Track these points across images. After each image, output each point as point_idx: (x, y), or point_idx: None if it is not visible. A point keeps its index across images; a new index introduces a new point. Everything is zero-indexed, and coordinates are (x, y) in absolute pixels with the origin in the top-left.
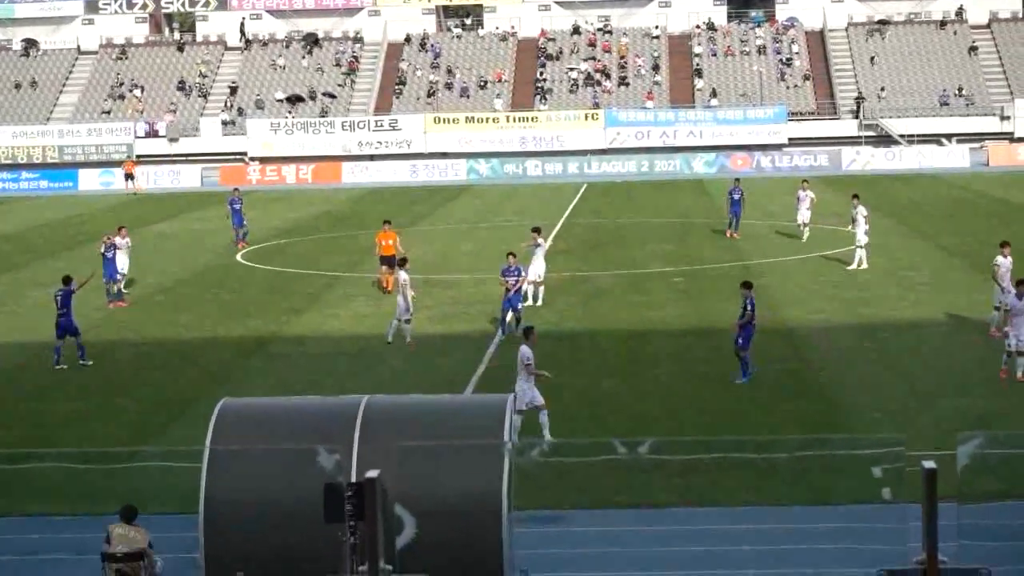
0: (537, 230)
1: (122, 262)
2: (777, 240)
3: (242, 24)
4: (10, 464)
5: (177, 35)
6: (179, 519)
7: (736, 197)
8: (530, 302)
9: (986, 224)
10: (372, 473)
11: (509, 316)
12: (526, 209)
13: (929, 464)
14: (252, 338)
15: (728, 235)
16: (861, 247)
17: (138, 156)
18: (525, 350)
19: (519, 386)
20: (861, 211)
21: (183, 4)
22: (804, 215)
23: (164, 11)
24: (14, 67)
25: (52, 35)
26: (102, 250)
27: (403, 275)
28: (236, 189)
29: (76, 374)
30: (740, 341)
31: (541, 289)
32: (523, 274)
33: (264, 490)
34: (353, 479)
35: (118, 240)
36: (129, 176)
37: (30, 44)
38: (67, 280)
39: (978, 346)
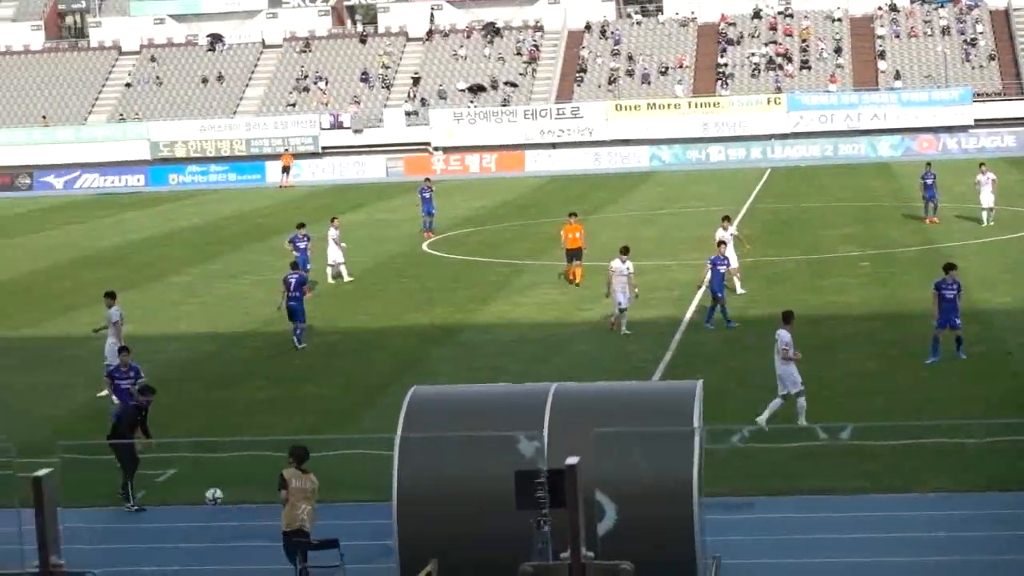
0: (726, 218)
1: (334, 252)
2: (964, 223)
3: (432, 14)
4: (202, 453)
5: (359, 27)
6: (372, 507)
7: (929, 181)
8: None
9: None
10: (572, 460)
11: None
12: (709, 195)
13: None
14: (438, 326)
15: (927, 221)
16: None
17: (323, 148)
18: (785, 334)
19: (780, 369)
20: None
21: None
22: (988, 199)
23: (346, 3)
24: (200, 61)
25: (237, 29)
26: (293, 242)
27: (616, 264)
28: (427, 179)
29: (264, 364)
30: (958, 322)
31: (737, 277)
32: (730, 264)
33: (458, 477)
34: (544, 466)
35: (332, 231)
36: (286, 169)
37: (216, 39)
38: (295, 265)
39: None
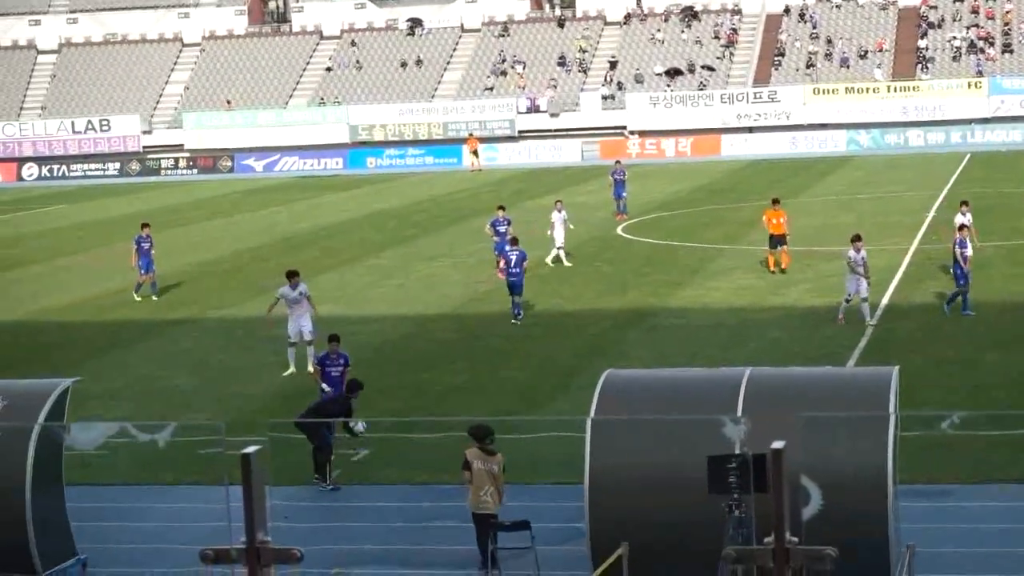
0: (965, 203)
1: (559, 235)
2: None
3: None
4: (399, 433)
5: (557, 11)
6: (564, 489)
7: None
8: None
9: None
10: (778, 444)
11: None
12: (908, 180)
13: None
14: (632, 310)
15: None
16: None
17: (520, 131)
18: None
19: None
20: None
21: None
22: None
23: None
24: (400, 46)
25: (436, 14)
26: (494, 225)
27: (852, 253)
28: (618, 161)
29: (460, 346)
30: None
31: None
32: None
33: (654, 460)
34: (737, 450)
35: (555, 214)
36: (474, 152)
37: (415, 23)
38: (515, 241)
39: None
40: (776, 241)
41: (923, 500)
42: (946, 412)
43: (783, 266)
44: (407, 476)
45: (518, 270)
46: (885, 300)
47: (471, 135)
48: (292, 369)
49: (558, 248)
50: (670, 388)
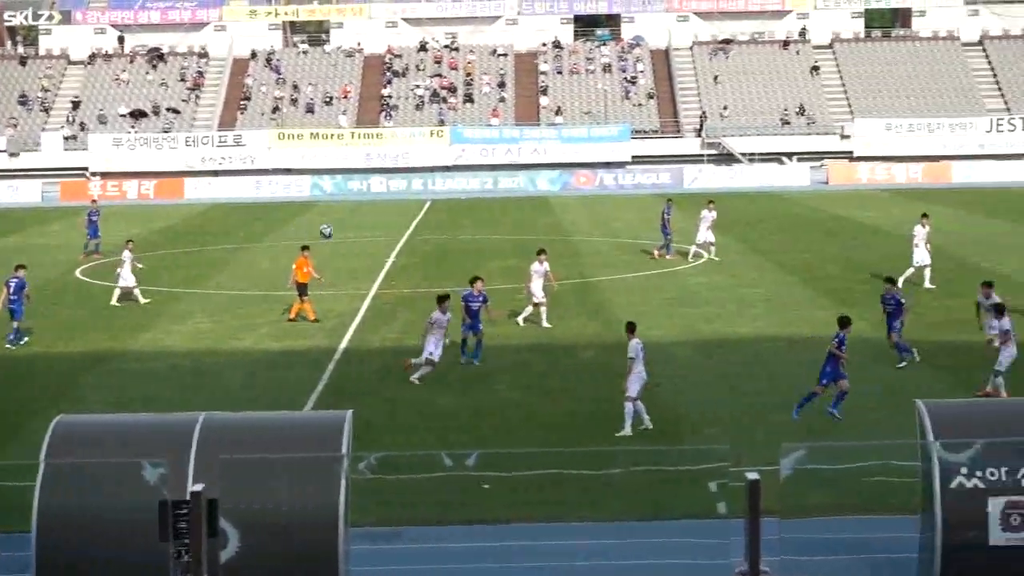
0: (542, 251)
1: (127, 275)
2: (620, 257)
3: (121, 37)
4: None
5: (20, 49)
6: (13, 538)
7: (667, 217)
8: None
9: (823, 240)
10: (196, 487)
11: (469, 338)
12: (369, 225)
13: (752, 475)
14: (91, 353)
15: (657, 255)
16: (926, 266)
17: None
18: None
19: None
20: (923, 232)
21: (26, 17)
22: (706, 235)
23: (7, 24)
24: None
25: None
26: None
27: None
28: (94, 201)
29: None
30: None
31: (543, 309)
32: (489, 302)
33: (96, 506)
34: (168, 494)
35: (126, 253)
36: None
37: None
38: (20, 267)
39: (814, 361)
40: (301, 288)
41: (374, 543)
42: (364, 453)
43: (310, 316)
44: None
45: (16, 297)
46: (344, 344)
47: None
48: None
49: (120, 287)
50: (124, 432)
